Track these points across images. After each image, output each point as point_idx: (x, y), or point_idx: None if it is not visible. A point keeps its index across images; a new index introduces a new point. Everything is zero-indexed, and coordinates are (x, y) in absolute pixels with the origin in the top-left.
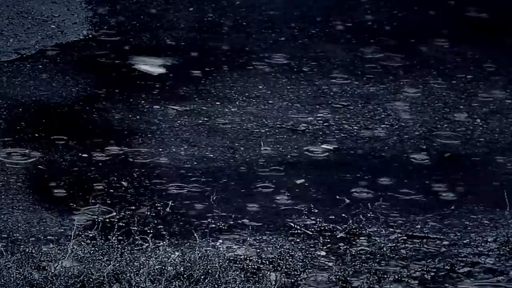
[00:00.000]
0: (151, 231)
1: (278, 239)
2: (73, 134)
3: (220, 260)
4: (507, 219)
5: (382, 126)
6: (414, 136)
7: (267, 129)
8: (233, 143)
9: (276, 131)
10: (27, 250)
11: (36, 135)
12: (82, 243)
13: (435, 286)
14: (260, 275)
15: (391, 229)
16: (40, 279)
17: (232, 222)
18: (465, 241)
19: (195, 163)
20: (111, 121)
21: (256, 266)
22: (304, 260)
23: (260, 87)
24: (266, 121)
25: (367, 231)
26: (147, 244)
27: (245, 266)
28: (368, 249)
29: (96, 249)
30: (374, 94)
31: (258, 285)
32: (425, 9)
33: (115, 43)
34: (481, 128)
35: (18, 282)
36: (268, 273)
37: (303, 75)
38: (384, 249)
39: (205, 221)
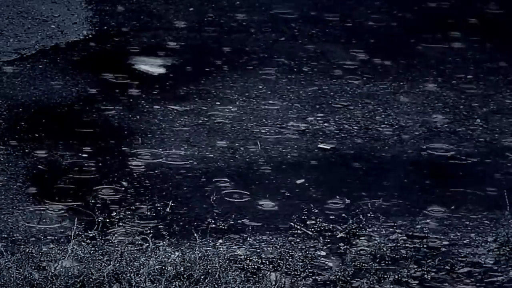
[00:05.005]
0: (151, 231)
1: (278, 239)
2: (73, 134)
3: (220, 260)
4: (507, 219)
5: (382, 126)
6: (414, 136)
7: (267, 129)
8: (233, 143)
9: (276, 131)
10: (27, 250)
11: (36, 135)
12: (82, 243)
13: (435, 286)
14: (260, 275)
15: (391, 229)
16: (40, 279)
17: (232, 222)
18: (465, 241)
19: (195, 163)
20: (111, 121)
21: (256, 266)
22: (304, 260)
23: (260, 87)
24: (266, 121)
25: (367, 231)
26: (147, 244)
27: (245, 266)
28: (368, 249)
29: (96, 249)
30: (374, 94)
31: (258, 285)
32: (425, 9)
33: (115, 43)
34: (481, 128)
35: (18, 282)
36: (268, 273)
37: (303, 75)
38: (384, 249)
39: (205, 221)
